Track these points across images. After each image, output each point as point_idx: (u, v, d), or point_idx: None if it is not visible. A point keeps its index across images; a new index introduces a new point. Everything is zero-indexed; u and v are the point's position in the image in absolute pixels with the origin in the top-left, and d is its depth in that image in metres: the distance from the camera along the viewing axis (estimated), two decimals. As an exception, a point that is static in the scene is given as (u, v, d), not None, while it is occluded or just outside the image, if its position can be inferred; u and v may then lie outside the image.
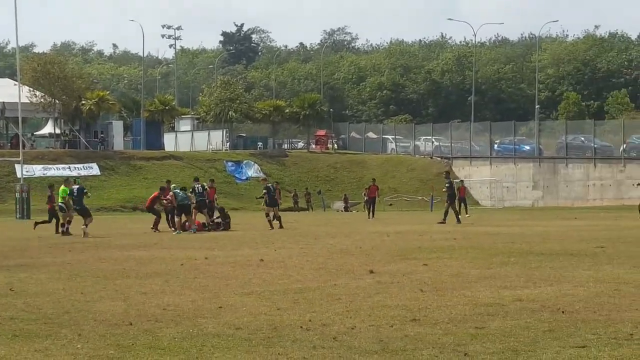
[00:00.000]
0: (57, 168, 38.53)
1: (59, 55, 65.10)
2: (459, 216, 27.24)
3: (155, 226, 25.20)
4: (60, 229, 23.88)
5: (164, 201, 24.97)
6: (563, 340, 7.27)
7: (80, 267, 14.88)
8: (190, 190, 24.54)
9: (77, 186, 23.95)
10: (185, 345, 7.29)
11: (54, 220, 24.81)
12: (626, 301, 9.97)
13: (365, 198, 32.76)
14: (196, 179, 27.26)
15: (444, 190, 28.56)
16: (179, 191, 24.21)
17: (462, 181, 36.03)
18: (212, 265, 14.98)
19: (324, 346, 7.05)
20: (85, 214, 22.76)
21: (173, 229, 24.87)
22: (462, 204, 31.32)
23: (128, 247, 19.50)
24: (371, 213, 32.58)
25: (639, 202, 27.50)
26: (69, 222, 23.11)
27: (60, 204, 23.38)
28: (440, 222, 26.85)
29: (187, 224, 24.35)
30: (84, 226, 21.79)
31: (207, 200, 24.53)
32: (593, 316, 8.81)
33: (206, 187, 25.29)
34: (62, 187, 23.93)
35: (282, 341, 7.34)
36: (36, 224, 25.50)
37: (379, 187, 33.75)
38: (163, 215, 25.73)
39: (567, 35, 78.73)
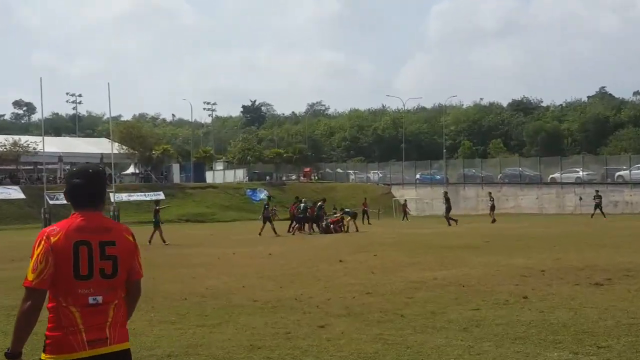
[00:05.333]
0: (136, 195, 50.69)
1: (138, 122, 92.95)
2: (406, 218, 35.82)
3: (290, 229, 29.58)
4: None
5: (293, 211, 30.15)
6: (464, 305, 8.60)
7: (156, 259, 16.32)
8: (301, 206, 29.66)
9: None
10: (221, 313, 8.59)
11: None
12: (503, 278, 11.38)
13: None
14: (299, 200, 31.20)
15: (444, 205, 34.18)
16: (302, 205, 29.42)
17: (399, 198, 50.72)
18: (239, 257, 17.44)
19: (310, 312, 8.49)
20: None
21: (303, 231, 29.41)
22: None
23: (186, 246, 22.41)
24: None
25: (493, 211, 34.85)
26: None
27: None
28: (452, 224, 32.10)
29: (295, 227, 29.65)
30: None
31: (307, 215, 29.44)
32: (482, 288, 10.18)
33: (308, 206, 29.52)
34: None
35: (284, 308, 8.81)
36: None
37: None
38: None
39: (462, 104, 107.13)
